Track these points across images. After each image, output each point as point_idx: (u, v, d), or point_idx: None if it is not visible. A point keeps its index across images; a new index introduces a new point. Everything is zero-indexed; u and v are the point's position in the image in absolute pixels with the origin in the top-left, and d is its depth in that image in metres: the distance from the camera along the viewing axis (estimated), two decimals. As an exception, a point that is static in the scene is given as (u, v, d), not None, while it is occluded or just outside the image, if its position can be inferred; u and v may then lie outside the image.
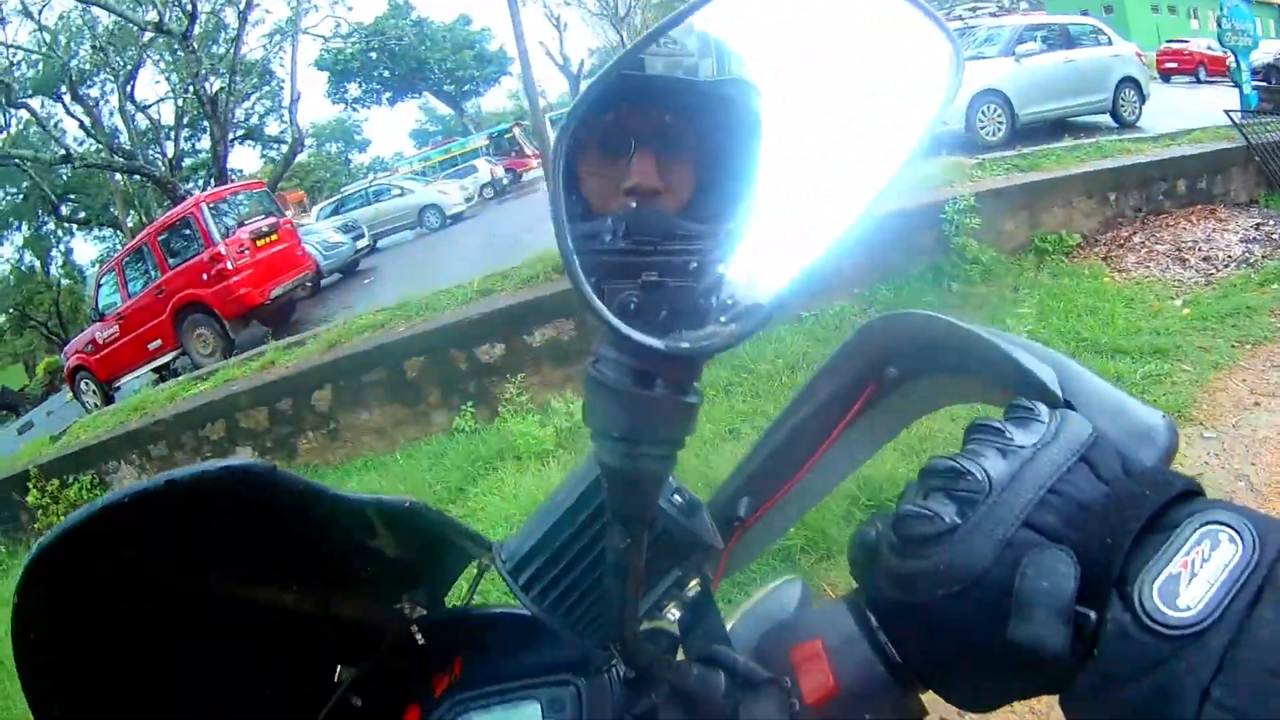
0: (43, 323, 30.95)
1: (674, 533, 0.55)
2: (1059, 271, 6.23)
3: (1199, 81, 17.96)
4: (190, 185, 20.77)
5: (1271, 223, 6.90)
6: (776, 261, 0.43)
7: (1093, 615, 0.37)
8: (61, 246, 31.69)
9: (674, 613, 0.61)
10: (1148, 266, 6.28)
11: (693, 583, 0.61)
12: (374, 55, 32.20)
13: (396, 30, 32.03)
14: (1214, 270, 6.07)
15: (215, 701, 0.65)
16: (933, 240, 5.79)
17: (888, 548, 0.45)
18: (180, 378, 8.67)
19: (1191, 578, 0.35)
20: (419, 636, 0.74)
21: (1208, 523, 0.36)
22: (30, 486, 7.01)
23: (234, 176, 18.80)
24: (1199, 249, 6.46)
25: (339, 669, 0.71)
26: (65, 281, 32.21)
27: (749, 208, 0.47)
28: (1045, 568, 0.38)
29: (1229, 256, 6.28)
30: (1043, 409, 0.45)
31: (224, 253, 10.12)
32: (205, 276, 10.11)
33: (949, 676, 0.46)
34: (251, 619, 0.65)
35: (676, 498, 0.56)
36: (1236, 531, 0.35)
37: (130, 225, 22.45)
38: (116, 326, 10.80)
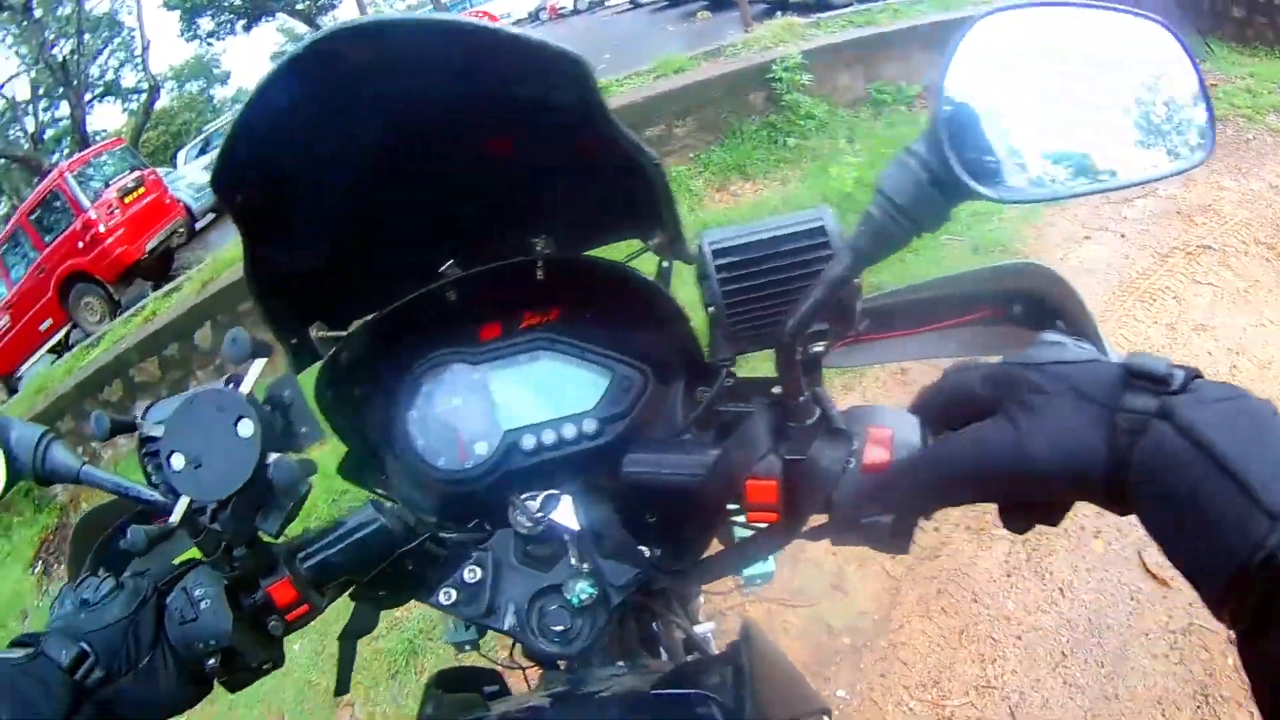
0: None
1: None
2: (896, 120, 6.34)
3: None
4: (55, 156, 19.68)
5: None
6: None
7: None
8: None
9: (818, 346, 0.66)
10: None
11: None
12: (219, -16, 30.25)
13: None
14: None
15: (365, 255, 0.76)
16: (764, 100, 5.98)
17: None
18: (72, 350, 8.61)
19: None
20: (539, 271, 0.77)
21: None
22: None
23: (97, 138, 17.82)
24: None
25: (449, 264, 0.77)
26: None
27: None
28: None
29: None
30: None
31: (94, 217, 9.88)
32: (81, 245, 9.90)
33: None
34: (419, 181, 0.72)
35: None
36: None
37: (1, 213, 21.30)
38: (6, 317, 10.54)
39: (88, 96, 19.56)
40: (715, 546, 0.83)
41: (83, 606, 0.66)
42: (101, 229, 9.92)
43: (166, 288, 7.60)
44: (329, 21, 36.95)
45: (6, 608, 5.77)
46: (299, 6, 32.10)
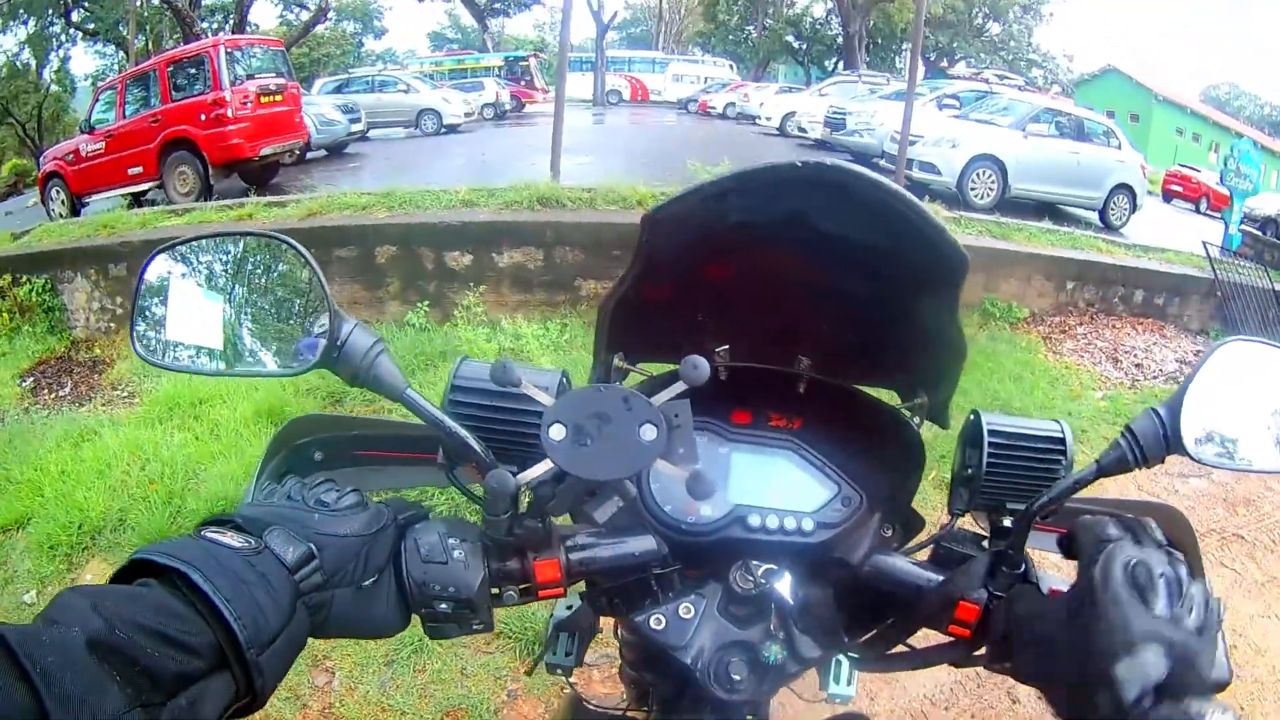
0: (21, 123, 29.95)
1: None
2: (998, 337, 6.55)
3: (1198, 211, 18.37)
4: (205, 25, 20.27)
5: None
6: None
7: None
8: (61, 52, 30.60)
9: None
10: (1081, 356, 6.66)
11: None
12: (421, -57, 31.75)
13: (447, -75, 31.57)
14: (1142, 377, 6.48)
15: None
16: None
17: None
18: (156, 207, 8.66)
19: None
20: (801, 385, 0.95)
21: None
22: None
23: (251, 28, 18.41)
24: (1135, 355, 6.86)
25: (724, 347, 0.94)
26: (55, 88, 31.15)
27: None
28: None
29: (1160, 370, 6.69)
30: None
31: (228, 99, 10.10)
32: (203, 117, 10.08)
33: None
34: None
35: None
36: None
37: (136, 48, 21.82)
38: (103, 143, 10.71)
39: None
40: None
41: (318, 508, 0.67)
42: (229, 113, 10.10)
43: (270, 198, 7.69)
44: (497, 23, 39.27)
45: None
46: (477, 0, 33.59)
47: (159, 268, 0.73)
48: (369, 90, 17.97)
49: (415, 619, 0.74)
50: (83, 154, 10.91)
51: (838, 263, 0.81)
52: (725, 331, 0.92)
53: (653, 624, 0.81)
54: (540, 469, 0.67)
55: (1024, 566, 0.76)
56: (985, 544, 0.84)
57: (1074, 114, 12.19)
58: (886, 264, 0.79)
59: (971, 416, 0.86)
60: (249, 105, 10.42)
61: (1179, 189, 20.49)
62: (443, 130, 17.47)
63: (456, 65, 29.09)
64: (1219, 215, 11.91)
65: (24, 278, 7.08)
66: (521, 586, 0.75)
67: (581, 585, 0.90)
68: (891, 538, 0.91)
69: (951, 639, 0.80)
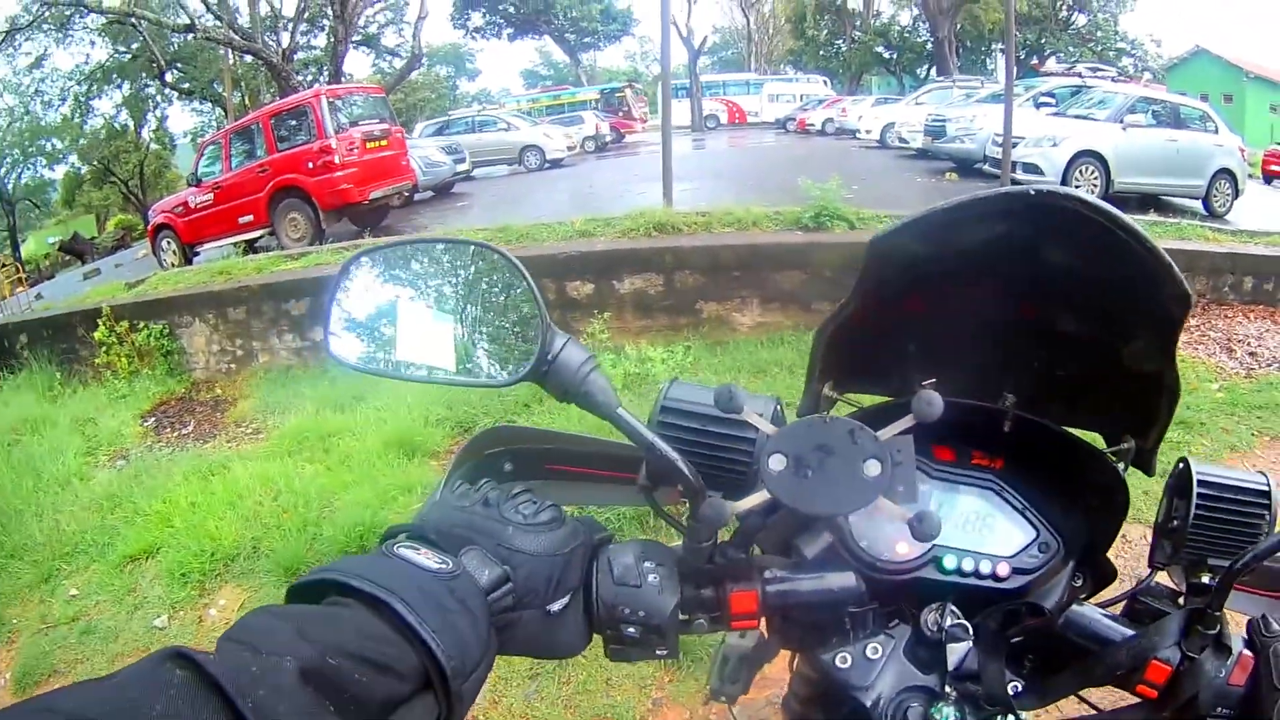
0: (124, 181, 31.82)
1: None
2: None
3: None
4: (300, 78, 21.38)
5: (1328, 338, 6.98)
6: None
7: None
8: (158, 112, 32.47)
9: None
10: (1196, 348, 6.44)
11: None
12: (506, -12, 32.73)
13: (533, -32, 32.50)
14: (1257, 366, 6.21)
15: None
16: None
17: None
18: (271, 253, 9.15)
19: None
20: (1008, 424, 0.88)
21: None
22: (100, 323, 7.37)
23: (345, 78, 19.32)
24: (1248, 343, 6.59)
25: (931, 381, 0.85)
26: (154, 146, 33.11)
27: None
28: None
29: (1274, 357, 6.40)
30: None
31: (334, 146, 10.62)
32: (311, 165, 10.62)
33: None
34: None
35: None
36: None
37: (234, 104, 23.12)
38: (211, 195, 11.36)
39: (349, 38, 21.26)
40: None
41: (513, 522, 0.64)
42: (336, 160, 10.62)
43: (384, 239, 8.03)
44: (589, 57, 40.24)
45: (108, 439, 6.13)
46: (567, 35, 34.43)
47: (359, 272, 0.73)
48: (470, 130, 18.58)
49: (596, 638, 0.72)
50: (191, 205, 11.57)
51: (1056, 296, 0.79)
52: (934, 364, 0.86)
53: (838, 662, 0.79)
54: (756, 499, 0.65)
55: (1219, 628, 0.73)
56: (1181, 601, 0.80)
57: (1169, 101, 11.83)
58: (1106, 299, 0.76)
59: (1180, 465, 0.82)
60: (355, 151, 10.91)
61: (1279, 168, 19.40)
62: (546, 165, 17.88)
63: (553, 101, 29.90)
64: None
65: (141, 324, 7.45)
66: (713, 615, 0.73)
67: None
68: (1082, 587, 0.88)
69: (1138, 699, 0.77)
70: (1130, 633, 0.79)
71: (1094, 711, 0.87)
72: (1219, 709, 0.71)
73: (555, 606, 0.64)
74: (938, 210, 0.69)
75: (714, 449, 0.74)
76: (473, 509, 0.65)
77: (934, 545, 0.83)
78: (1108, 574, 0.89)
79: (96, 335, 7.40)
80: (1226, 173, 11.13)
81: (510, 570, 0.61)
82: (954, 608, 0.78)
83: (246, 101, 24.02)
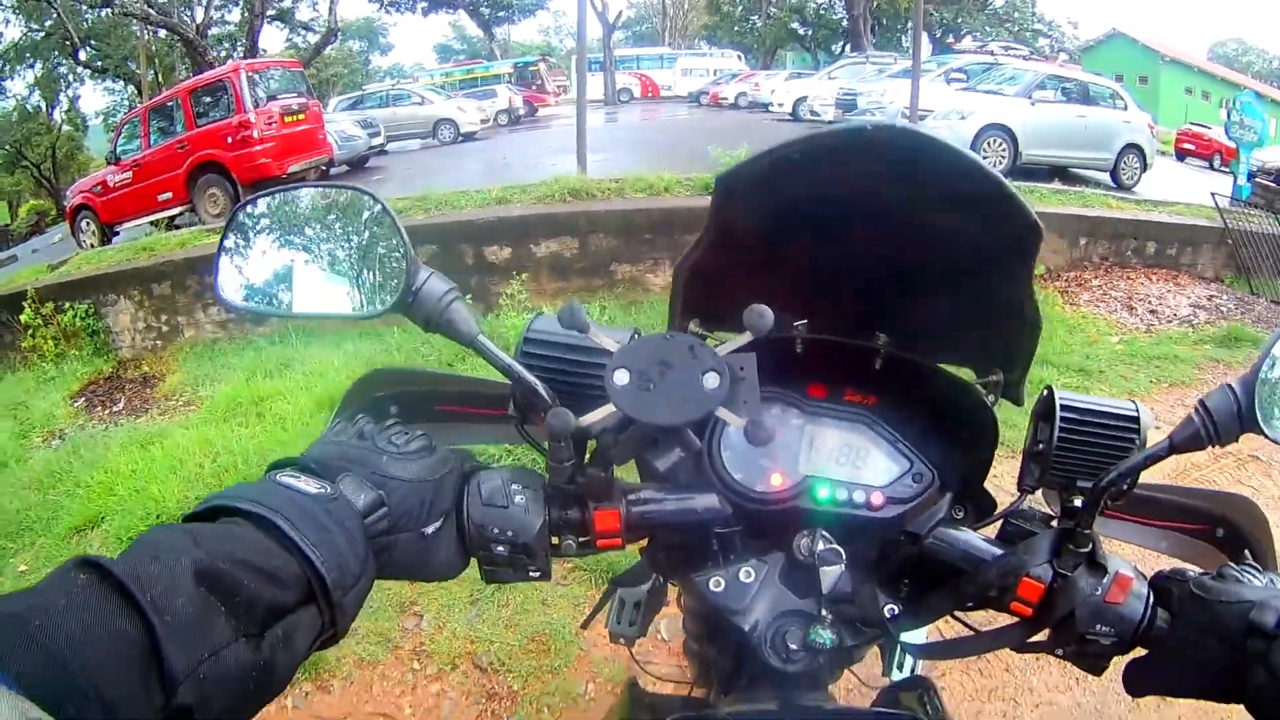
0: (36, 164, 30.43)
1: None
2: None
3: (1212, 168, 18.08)
4: (215, 54, 20.72)
5: (1224, 297, 7.42)
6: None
7: None
8: (70, 92, 31.13)
9: None
10: (1097, 306, 6.82)
11: None
12: (422, -39, 32.04)
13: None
14: (1156, 322, 6.62)
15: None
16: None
17: None
18: (193, 228, 8.95)
19: None
20: (878, 361, 0.92)
21: None
22: (26, 306, 7.16)
23: (260, 53, 18.78)
24: (1149, 302, 7.01)
25: (802, 322, 0.92)
26: (67, 128, 31.68)
27: None
28: None
29: (1174, 314, 6.83)
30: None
31: (253, 121, 10.46)
32: (229, 140, 10.44)
33: None
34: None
35: None
36: None
37: (147, 81, 22.27)
38: (130, 173, 11.07)
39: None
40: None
41: (388, 449, 0.68)
42: (255, 134, 10.48)
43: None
44: (503, 31, 39.69)
45: (40, 421, 6.04)
46: (481, 9, 33.90)
47: (245, 219, 0.76)
48: (384, 105, 18.35)
49: (474, 562, 0.74)
50: (110, 185, 11.27)
51: (912, 236, 0.81)
52: (803, 306, 0.91)
53: (711, 585, 0.81)
54: (602, 413, 0.67)
55: (1092, 546, 0.74)
56: (1054, 523, 0.82)
57: (1079, 79, 12.35)
58: (961, 235, 0.78)
59: (1045, 392, 0.84)
60: (274, 125, 10.78)
61: (1191, 147, 20.37)
62: (460, 139, 17.81)
63: (467, 75, 29.50)
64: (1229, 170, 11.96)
65: (66, 304, 7.24)
66: (581, 538, 0.75)
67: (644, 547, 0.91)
68: (963, 519, 0.90)
69: (1014, 620, 0.79)
70: (1001, 552, 0.80)
71: (974, 632, 0.89)
72: (1099, 626, 0.72)
73: (429, 529, 0.67)
74: (778, 146, 0.74)
75: (569, 373, 0.78)
76: (349, 442, 0.68)
77: (806, 477, 0.87)
78: (986, 506, 0.91)
79: (23, 318, 7.16)
80: (1135, 148, 11.70)
81: (385, 495, 0.64)
82: (825, 533, 0.80)
83: (160, 79, 23.17)
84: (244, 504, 0.55)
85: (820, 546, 0.78)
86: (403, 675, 2.81)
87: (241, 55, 18.15)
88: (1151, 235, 8.03)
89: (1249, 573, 0.71)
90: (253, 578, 0.50)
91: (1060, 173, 10.97)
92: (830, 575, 0.78)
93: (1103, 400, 0.82)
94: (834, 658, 0.81)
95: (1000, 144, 10.66)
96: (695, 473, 0.85)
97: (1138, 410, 0.80)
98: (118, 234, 11.32)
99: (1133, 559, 0.78)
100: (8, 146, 29.88)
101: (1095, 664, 0.75)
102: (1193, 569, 0.76)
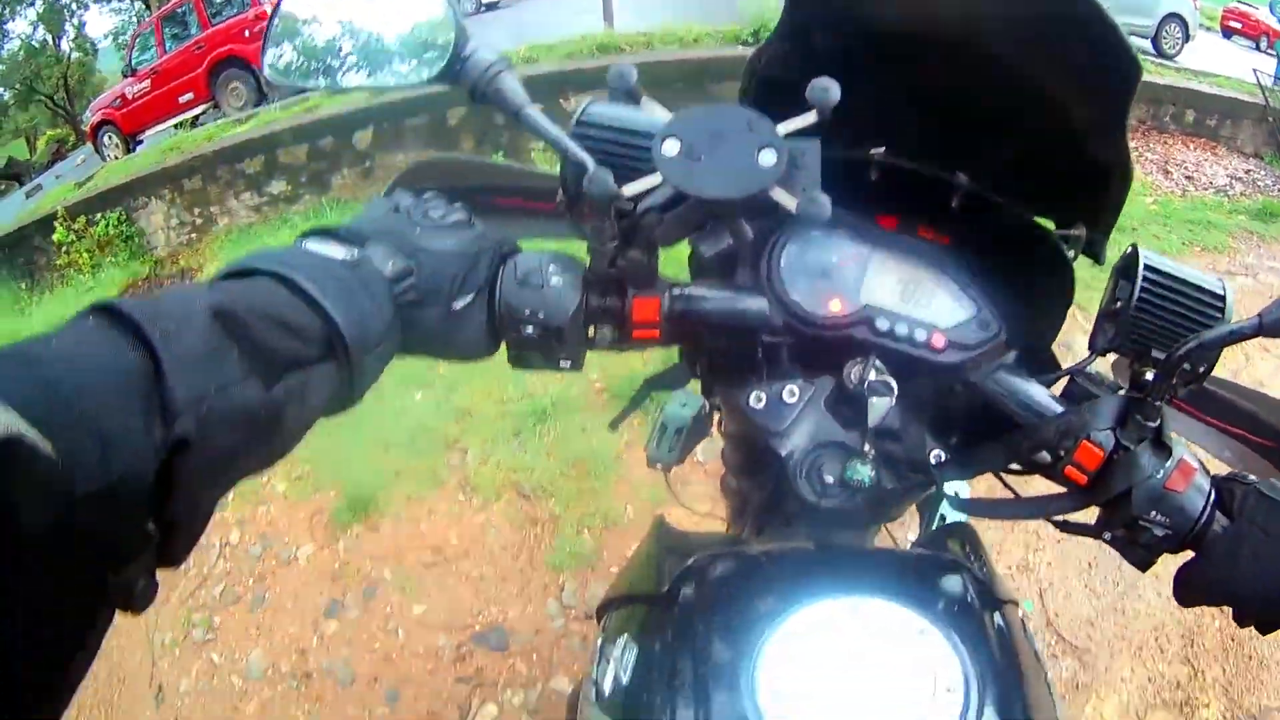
0: (49, 96, 30.16)
1: None
2: None
3: (1258, 49, 17.42)
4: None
5: (1262, 173, 7.26)
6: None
7: None
8: (74, 20, 30.51)
9: None
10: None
11: None
12: None
13: None
14: (1192, 188, 6.51)
15: None
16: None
17: None
18: (218, 121, 8.93)
19: None
20: (956, 199, 0.84)
21: None
22: (56, 225, 7.22)
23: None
24: (1185, 168, 6.87)
25: (882, 149, 0.84)
26: (76, 55, 31.22)
27: None
28: None
29: (1210, 183, 6.70)
30: None
31: (269, 11, 10.21)
32: (248, 34, 10.25)
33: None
34: None
35: None
36: None
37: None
38: (149, 82, 10.97)
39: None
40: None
41: (420, 224, 0.64)
42: (273, 22, 10.26)
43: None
44: None
45: None
46: None
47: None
48: None
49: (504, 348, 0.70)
50: (129, 96, 11.17)
51: (1002, 65, 0.73)
52: (881, 131, 0.83)
53: (752, 401, 0.77)
54: (647, 182, 0.63)
55: (1160, 422, 0.68)
56: (1122, 392, 0.75)
57: (1119, -54, 11.76)
58: (1054, 69, 0.71)
59: (1129, 249, 0.76)
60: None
61: (1238, 25, 19.39)
62: (482, 9, 16.76)
63: None
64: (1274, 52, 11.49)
65: (98, 216, 7.29)
66: (617, 326, 0.70)
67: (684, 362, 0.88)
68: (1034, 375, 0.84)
69: (1065, 488, 0.73)
70: (1063, 410, 0.75)
71: (1018, 498, 0.83)
72: (1154, 513, 0.66)
73: (459, 304, 0.64)
74: None
75: (622, 153, 0.72)
76: (384, 215, 0.65)
77: (866, 305, 0.81)
78: (1052, 368, 0.84)
79: (56, 237, 7.23)
80: (1177, 17, 11.20)
81: (415, 265, 0.61)
82: (879, 362, 0.75)
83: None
84: (264, 264, 0.54)
85: (872, 375, 0.73)
86: (449, 508, 2.92)
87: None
88: (1191, 103, 7.80)
89: None
90: (271, 328, 0.49)
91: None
92: (879, 408, 0.72)
93: (1191, 270, 0.74)
94: (871, 500, 0.76)
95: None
96: (749, 275, 0.81)
97: (1224, 288, 0.73)
98: (140, 142, 11.26)
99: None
100: (18, 85, 29.52)
101: (1143, 557, 0.69)
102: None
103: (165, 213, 7.41)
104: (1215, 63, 10.35)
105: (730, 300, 0.73)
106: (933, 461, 0.78)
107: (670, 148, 0.61)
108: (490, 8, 16.90)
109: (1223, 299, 0.72)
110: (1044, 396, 0.77)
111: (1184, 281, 0.72)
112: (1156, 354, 0.72)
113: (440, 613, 2.55)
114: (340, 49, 0.73)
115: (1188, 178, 6.72)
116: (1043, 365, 0.84)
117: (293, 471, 3.10)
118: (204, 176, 7.20)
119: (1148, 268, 0.72)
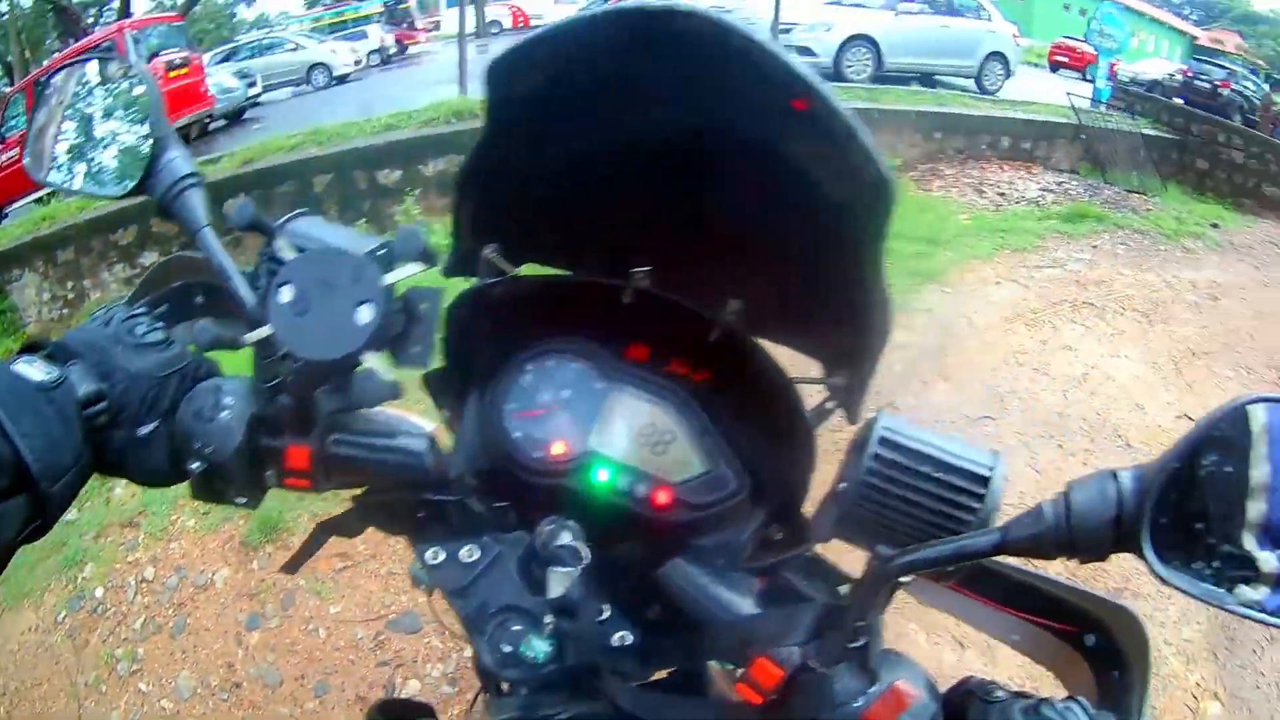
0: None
1: None
2: None
3: (1085, 79, 19.05)
4: (88, 19, 19.81)
5: (1075, 184, 8.24)
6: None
7: None
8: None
9: None
10: (949, 191, 7.52)
11: None
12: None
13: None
14: (1005, 203, 7.35)
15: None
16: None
17: None
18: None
19: None
20: (715, 334, 0.73)
21: None
22: None
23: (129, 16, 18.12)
24: (999, 187, 7.74)
25: (645, 270, 0.72)
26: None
27: None
28: None
29: (1022, 197, 7.58)
30: None
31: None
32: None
33: None
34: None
35: None
36: None
37: (12, 59, 20.98)
38: (18, 149, 10.65)
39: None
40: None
41: (122, 340, 0.63)
42: (145, 92, 10.22)
43: (201, 158, 7.96)
44: None
45: None
46: None
47: (50, 93, 0.74)
48: (257, 54, 17.62)
49: None
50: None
51: (746, 182, 0.64)
52: (647, 247, 0.73)
53: (429, 557, 0.71)
54: (260, 332, 0.59)
55: (865, 642, 0.56)
56: (845, 589, 0.67)
57: (943, -9, 12.95)
58: (798, 174, 0.58)
59: (874, 415, 0.61)
60: (159, 81, 10.47)
61: (1064, 59, 21.28)
62: (334, 83, 17.11)
63: (336, 18, 28.50)
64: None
65: None
66: (279, 473, 0.65)
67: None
68: (783, 542, 0.75)
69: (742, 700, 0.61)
70: (750, 613, 0.66)
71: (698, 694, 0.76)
72: None
73: (143, 430, 0.62)
74: (553, 28, 0.56)
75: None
76: (95, 327, 0.64)
77: (591, 451, 0.75)
78: (797, 538, 0.74)
79: None
80: (999, 55, 12.32)
81: (108, 387, 0.61)
82: (574, 524, 0.67)
83: (28, 54, 21.81)
84: None
85: (565, 539, 0.65)
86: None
87: (114, 18, 17.41)
88: (1007, 131, 8.78)
89: (1076, 713, 0.53)
90: None
91: (928, 80, 11.62)
92: (561, 579, 0.64)
93: (951, 444, 0.58)
94: (543, 668, 0.68)
95: (864, 54, 11.11)
96: (475, 404, 0.76)
97: (993, 466, 0.58)
98: (5, 215, 10.87)
99: (982, 645, 0.69)
100: None
101: None
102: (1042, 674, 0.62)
103: (38, 285, 7.23)
104: (1039, 94, 11.48)
105: (389, 452, 0.66)
106: (616, 644, 0.70)
107: (286, 294, 0.57)
108: (341, 81, 16.98)
109: (985, 480, 0.57)
110: (735, 594, 0.67)
111: (928, 459, 0.57)
112: (884, 549, 0.56)
113: (355, 609, 2.72)
114: (65, 153, 0.73)
115: (1000, 194, 7.58)
116: (792, 532, 0.75)
117: (201, 508, 3.17)
118: (76, 247, 7.10)
119: (882, 441, 0.58)
